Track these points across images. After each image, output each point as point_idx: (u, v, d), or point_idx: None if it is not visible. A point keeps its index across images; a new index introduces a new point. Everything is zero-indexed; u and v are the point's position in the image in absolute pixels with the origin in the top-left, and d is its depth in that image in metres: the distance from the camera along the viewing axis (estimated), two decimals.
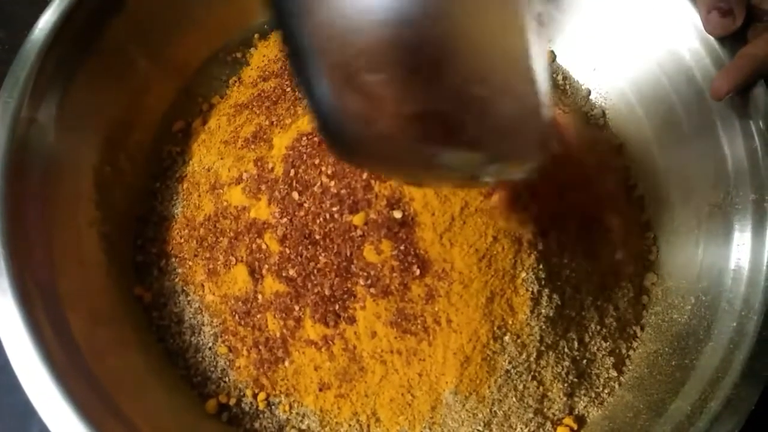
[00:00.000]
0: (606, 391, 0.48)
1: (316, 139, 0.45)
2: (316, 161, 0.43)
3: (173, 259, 0.51)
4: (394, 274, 0.41)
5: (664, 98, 0.55)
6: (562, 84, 0.62)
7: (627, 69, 0.58)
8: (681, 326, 0.48)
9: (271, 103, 0.54)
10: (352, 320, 0.43)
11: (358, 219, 0.41)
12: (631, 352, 0.49)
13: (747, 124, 0.48)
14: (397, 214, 0.40)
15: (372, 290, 0.42)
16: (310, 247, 0.43)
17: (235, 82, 0.61)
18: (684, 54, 0.53)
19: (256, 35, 0.63)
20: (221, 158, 0.52)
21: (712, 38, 0.51)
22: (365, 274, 0.42)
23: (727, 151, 0.50)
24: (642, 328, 0.50)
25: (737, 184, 0.49)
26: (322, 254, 0.42)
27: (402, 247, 0.41)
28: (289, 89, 0.55)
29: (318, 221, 0.42)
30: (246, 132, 0.52)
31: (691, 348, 0.46)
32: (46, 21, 0.49)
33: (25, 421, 0.48)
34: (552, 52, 0.62)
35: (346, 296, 0.43)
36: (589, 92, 0.61)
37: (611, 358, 0.48)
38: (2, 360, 0.40)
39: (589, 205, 0.48)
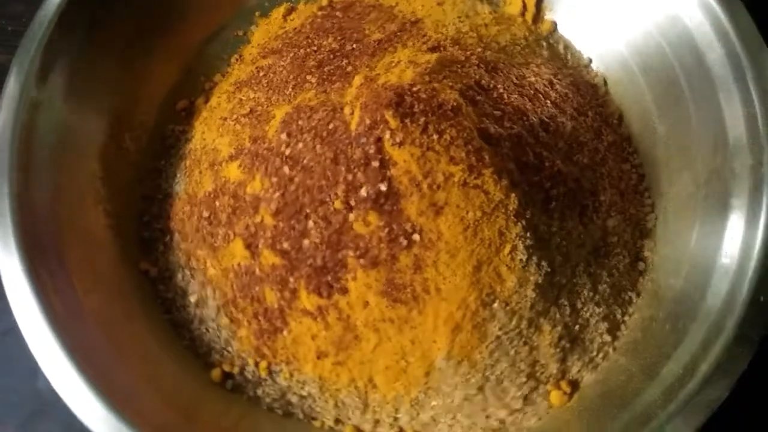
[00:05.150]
0: (600, 355, 0.48)
1: (309, 114, 0.46)
2: (307, 136, 0.44)
3: (177, 235, 0.53)
4: (382, 245, 0.42)
5: (665, 66, 0.54)
6: (563, 54, 0.61)
7: (628, 37, 0.58)
8: (676, 291, 0.48)
9: (269, 80, 0.55)
10: (344, 291, 0.44)
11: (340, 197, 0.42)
12: (626, 318, 0.50)
13: (747, 90, 0.48)
14: (383, 186, 0.41)
15: (362, 261, 0.43)
16: (302, 220, 0.44)
17: (237, 59, 0.62)
18: (685, 21, 0.52)
19: (256, 13, 0.64)
20: (221, 135, 0.53)
21: (713, 4, 0.50)
22: (355, 245, 0.43)
23: (726, 118, 0.49)
24: (638, 294, 0.51)
25: (735, 149, 0.48)
26: (313, 227, 0.43)
27: (388, 219, 0.41)
28: (285, 67, 0.56)
29: (308, 195, 0.43)
30: (244, 109, 0.53)
31: (685, 312, 0.46)
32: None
33: (32, 376, 0.51)
34: (553, 21, 0.62)
35: (338, 267, 0.43)
36: (590, 61, 0.61)
37: (605, 324, 0.48)
38: (12, 322, 0.43)
39: (580, 172, 0.48)
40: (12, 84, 0.48)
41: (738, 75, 0.49)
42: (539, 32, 0.62)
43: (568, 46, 0.62)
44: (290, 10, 0.64)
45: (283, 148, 0.45)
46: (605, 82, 0.60)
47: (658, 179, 0.54)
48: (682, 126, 0.53)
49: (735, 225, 0.47)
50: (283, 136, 0.45)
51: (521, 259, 0.43)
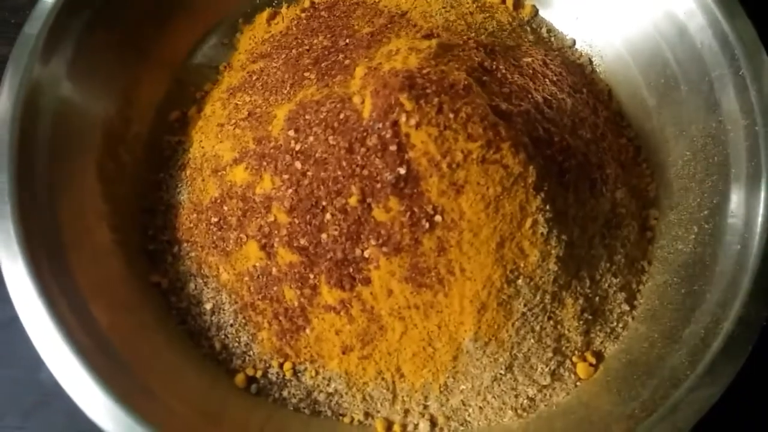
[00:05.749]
0: (620, 325, 0.49)
1: (316, 108, 0.45)
2: (317, 129, 0.44)
3: (185, 245, 0.52)
4: (405, 230, 0.42)
5: (649, 38, 0.56)
6: (546, 37, 0.62)
7: (611, 16, 0.59)
8: (687, 255, 0.49)
9: (263, 82, 0.55)
10: (367, 281, 0.44)
11: (357, 186, 0.42)
12: (641, 287, 0.50)
13: (732, 53, 0.49)
14: (402, 170, 0.41)
15: (384, 249, 0.42)
16: (318, 214, 0.44)
17: (225, 67, 0.62)
18: None
19: (240, 20, 0.64)
20: (220, 141, 0.53)
21: None
22: (376, 233, 0.42)
23: (715, 81, 0.51)
24: (649, 262, 0.51)
25: (727, 112, 0.49)
26: (331, 219, 0.43)
27: (409, 203, 0.41)
28: (279, 68, 0.55)
29: (323, 188, 0.43)
30: (242, 113, 0.53)
31: (698, 275, 0.47)
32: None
33: (35, 369, 0.51)
34: (533, 6, 0.63)
35: (359, 258, 0.43)
36: (574, 42, 0.62)
37: (623, 294, 0.49)
38: (14, 312, 0.42)
39: (586, 146, 0.49)
40: (6, 92, 0.47)
41: (722, 40, 0.50)
42: (521, 17, 0.63)
43: (551, 30, 0.63)
44: (274, 15, 0.64)
45: (292, 144, 0.44)
46: (591, 61, 0.61)
47: (654, 150, 0.55)
48: (673, 96, 0.54)
49: (737, 185, 0.48)
50: (291, 133, 0.45)
51: (542, 233, 0.43)
